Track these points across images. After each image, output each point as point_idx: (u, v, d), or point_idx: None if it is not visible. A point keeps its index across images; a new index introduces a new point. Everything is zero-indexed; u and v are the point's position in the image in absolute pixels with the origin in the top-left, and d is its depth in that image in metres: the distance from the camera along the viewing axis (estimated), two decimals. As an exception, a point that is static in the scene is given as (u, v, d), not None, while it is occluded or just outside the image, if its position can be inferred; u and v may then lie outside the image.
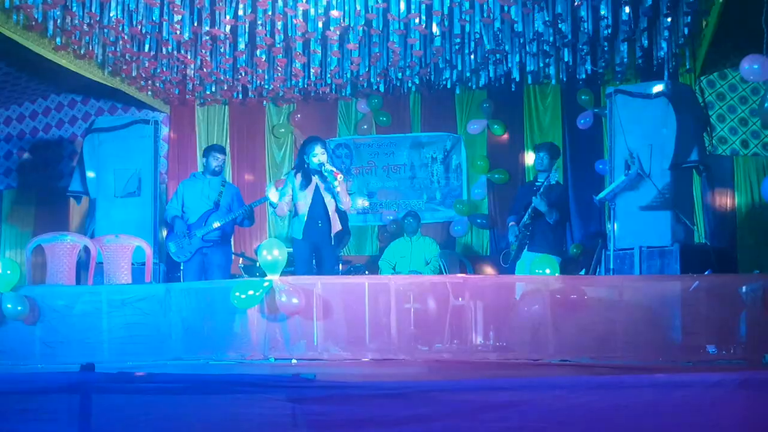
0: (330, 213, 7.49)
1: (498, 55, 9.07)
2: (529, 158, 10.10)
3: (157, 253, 8.89)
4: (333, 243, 7.57)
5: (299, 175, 7.54)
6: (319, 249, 7.48)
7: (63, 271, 7.56)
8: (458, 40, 8.66)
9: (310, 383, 3.87)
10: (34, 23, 8.03)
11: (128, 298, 6.44)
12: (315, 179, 7.48)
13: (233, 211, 8.22)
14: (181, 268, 8.20)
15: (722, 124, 9.56)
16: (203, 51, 8.98)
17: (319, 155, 7.44)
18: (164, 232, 8.90)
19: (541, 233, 7.78)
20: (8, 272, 6.47)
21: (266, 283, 6.06)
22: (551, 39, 8.59)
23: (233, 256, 8.72)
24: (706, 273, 6.49)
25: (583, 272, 8.79)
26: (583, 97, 10.10)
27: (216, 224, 8.08)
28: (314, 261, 7.49)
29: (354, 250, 10.56)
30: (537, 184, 7.95)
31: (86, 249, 8.04)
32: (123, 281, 7.74)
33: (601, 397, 3.66)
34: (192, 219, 8.18)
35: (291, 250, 7.45)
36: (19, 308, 6.31)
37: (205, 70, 9.46)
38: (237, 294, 6.05)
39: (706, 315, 5.89)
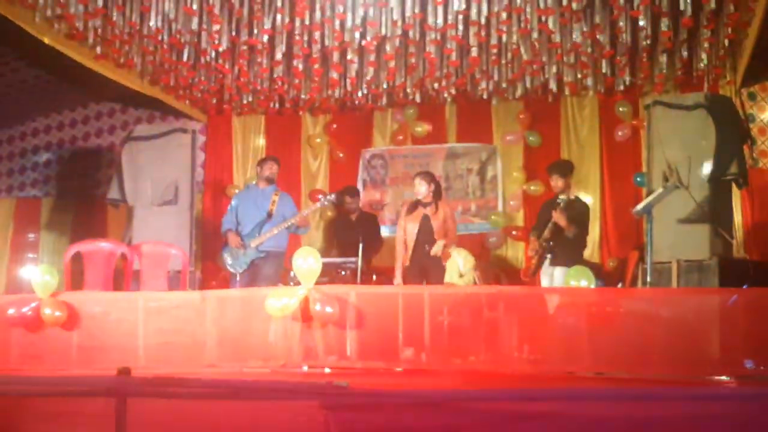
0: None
1: (535, 66, 9.04)
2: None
3: (193, 261, 8.95)
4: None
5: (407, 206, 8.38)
6: (427, 271, 7.99)
7: (100, 278, 7.65)
8: (495, 51, 8.65)
9: (344, 391, 3.86)
10: (75, 32, 8.16)
11: (164, 306, 6.50)
12: (420, 209, 8.15)
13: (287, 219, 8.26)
14: (237, 279, 8.22)
15: (763, 137, 9.46)
16: (241, 61, 9.06)
17: (416, 186, 8.17)
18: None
19: (562, 247, 7.84)
20: (47, 278, 6.56)
21: (300, 292, 6.07)
22: (589, 50, 8.55)
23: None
24: (744, 287, 6.39)
25: (620, 285, 8.71)
26: (621, 108, 10.03)
27: (269, 233, 8.10)
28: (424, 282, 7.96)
29: (388, 260, 10.53)
30: (558, 200, 8.04)
31: (123, 256, 8.12)
32: (159, 289, 7.79)
33: (637, 409, 3.61)
34: (246, 230, 8.22)
35: None
36: (58, 314, 6.39)
37: (242, 79, 9.53)
38: (271, 302, 6.07)
39: (744, 329, 5.81)
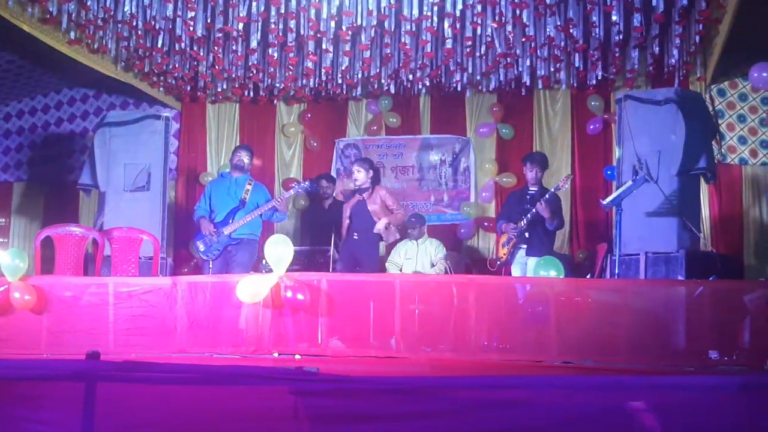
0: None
1: (509, 59, 9.09)
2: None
3: (165, 248, 8.92)
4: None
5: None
6: (358, 260, 8.03)
7: (71, 263, 7.62)
8: (469, 43, 8.69)
9: (313, 377, 3.88)
10: (49, 17, 8.10)
11: (135, 291, 6.50)
12: (357, 195, 8.22)
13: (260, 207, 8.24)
14: (210, 266, 8.21)
15: (731, 133, 9.57)
16: (216, 48, 9.04)
17: (354, 173, 8.20)
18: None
19: (538, 238, 7.92)
20: (17, 262, 6.54)
21: (272, 279, 6.09)
22: (562, 44, 8.62)
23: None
24: (710, 279, 6.49)
25: (589, 277, 8.80)
26: (593, 102, 10.11)
27: (242, 221, 8.08)
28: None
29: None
30: (530, 191, 8.11)
31: (94, 241, 8.10)
32: (130, 274, 7.78)
33: (603, 397, 3.67)
34: (219, 218, 8.20)
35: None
36: (27, 298, 6.37)
37: (217, 67, 9.51)
38: (243, 288, 6.09)
39: (709, 321, 5.91)
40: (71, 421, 3.70)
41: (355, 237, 8.03)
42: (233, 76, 9.82)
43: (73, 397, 3.75)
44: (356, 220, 8.11)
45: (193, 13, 8.15)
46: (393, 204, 8.18)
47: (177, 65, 9.54)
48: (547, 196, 7.83)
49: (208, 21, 8.39)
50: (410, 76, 9.65)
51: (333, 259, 8.49)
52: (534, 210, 7.81)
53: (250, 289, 6.07)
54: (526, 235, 7.95)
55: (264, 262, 7.76)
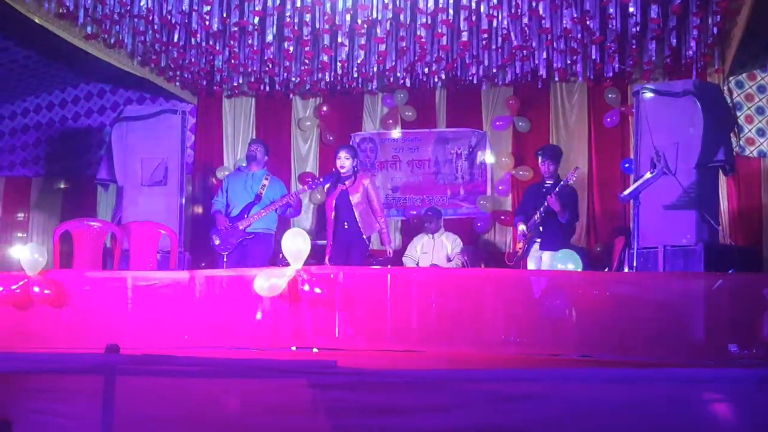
0: (357, 215, 8.00)
1: (525, 52, 9.06)
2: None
3: (182, 242, 8.95)
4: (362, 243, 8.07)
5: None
6: (348, 248, 7.99)
7: (89, 257, 7.65)
8: (485, 36, 8.67)
9: (331, 370, 3.89)
10: (65, 11, 8.13)
11: (153, 285, 6.52)
12: (340, 186, 8.09)
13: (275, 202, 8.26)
14: (225, 260, 8.25)
15: (750, 125, 9.49)
16: (231, 42, 9.05)
17: (342, 159, 8.06)
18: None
19: (552, 232, 7.89)
20: (36, 257, 6.57)
21: (289, 272, 6.10)
22: (579, 36, 8.58)
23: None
24: (729, 272, 6.45)
25: (607, 270, 8.77)
26: (610, 95, 10.05)
27: (256, 215, 8.12)
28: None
29: (377, 244, 10.55)
30: (546, 185, 8.10)
31: (113, 236, 8.13)
32: (148, 268, 7.80)
33: (620, 390, 3.66)
34: (235, 212, 8.26)
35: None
36: (46, 292, 6.40)
37: (233, 61, 9.52)
38: (260, 282, 6.10)
39: (728, 314, 5.87)
40: (91, 414, 3.72)
41: (346, 226, 8.01)
42: (249, 70, 9.84)
43: (93, 391, 3.76)
44: (343, 211, 8.07)
45: (208, 7, 8.17)
46: (374, 198, 8.12)
47: (193, 59, 9.56)
48: (557, 189, 7.82)
49: (224, 15, 8.40)
50: (426, 70, 9.64)
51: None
52: (546, 203, 7.81)
53: (268, 282, 6.07)
54: (541, 228, 7.94)
55: (281, 255, 7.78)
